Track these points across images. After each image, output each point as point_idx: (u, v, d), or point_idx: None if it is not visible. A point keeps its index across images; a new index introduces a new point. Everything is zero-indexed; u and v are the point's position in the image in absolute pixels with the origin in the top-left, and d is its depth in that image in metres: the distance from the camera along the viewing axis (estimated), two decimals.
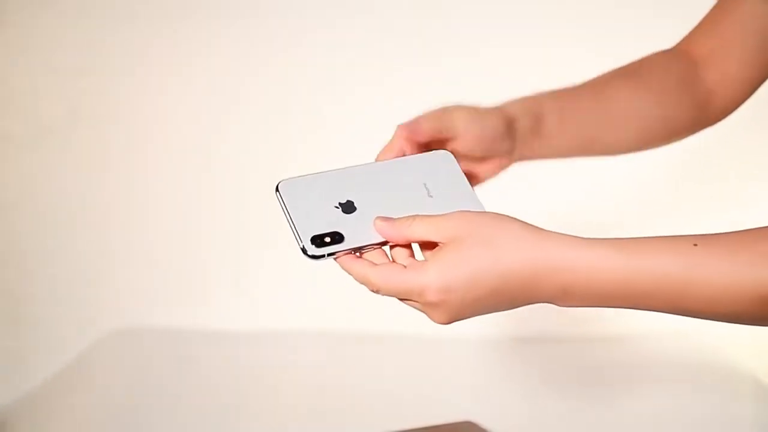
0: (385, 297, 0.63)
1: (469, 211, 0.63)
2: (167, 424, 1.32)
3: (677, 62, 0.85)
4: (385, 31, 1.59)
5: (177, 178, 1.64)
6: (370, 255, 0.65)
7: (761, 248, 0.58)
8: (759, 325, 0.61)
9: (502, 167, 0.78)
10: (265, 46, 1.60)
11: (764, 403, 1.35)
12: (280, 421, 1.32)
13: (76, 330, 1.61)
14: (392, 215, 0.65)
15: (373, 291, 0.63)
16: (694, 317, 0.62)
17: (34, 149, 1.61)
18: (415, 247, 0.65)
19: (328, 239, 0.63)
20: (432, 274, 0.60)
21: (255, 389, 1.41)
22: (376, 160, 0.73)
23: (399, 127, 0.73)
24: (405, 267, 0.62)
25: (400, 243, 0.64)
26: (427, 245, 0.64)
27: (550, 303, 0.63)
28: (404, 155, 0.72)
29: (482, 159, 0.77)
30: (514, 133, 0.76)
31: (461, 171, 0.70)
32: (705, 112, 0.86)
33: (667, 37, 0.89)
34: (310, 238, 0.63)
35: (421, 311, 0.63)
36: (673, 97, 0.84)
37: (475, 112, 0.75)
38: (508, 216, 0.63)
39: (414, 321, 1.51)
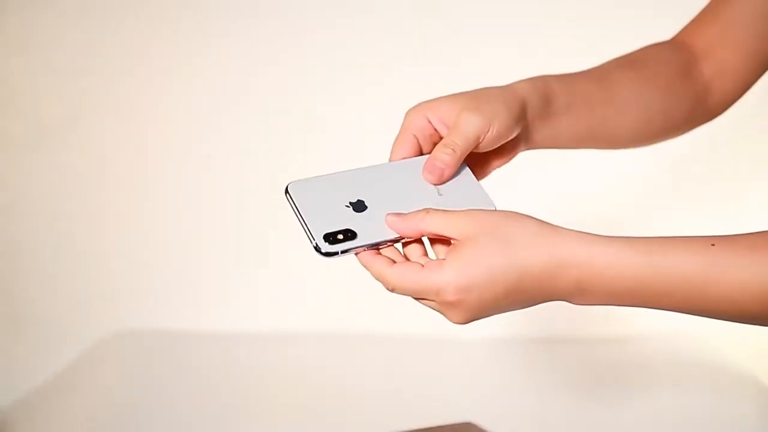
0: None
1: (483, 209, 0.63)
2: (167, 425, 1.32)
3: (677, 54, 0.84)
4: (385, 31, 1.59)
5: (177, 179, 1.64)
6: (386, 252, 0.64)
7: None
8: None
9: (513, 154, 0.75)
10: (265, 46, 1.60)
11: (764, 403, 1.35)
12: (280, 422, 1.32)
13: (76, 330, 1.61)
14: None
15: (388, 289, 0.63)
16: (709, 317, 0.61)
17: (34, 149, 1.61)
18: (427, 245, 0.65)
19: (341, 236, 0.63)
20: (450, 273, 0.60)
21: (255, 390, 1.41)
22: (392, 152, 0.72)
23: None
24: (422, 266, 0.62)
25: (413, 237, 0.64)
26: (440, 241, 0.64)
27: (566, 300, 0.62)
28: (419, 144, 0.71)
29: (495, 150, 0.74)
30: (526, 116, 0.73)
31: (471, 171, 0.70)
32: (703, 106, 0.85)
33: (666, 37, 0.89)
34: (323, 236, 0.63)
35: (438, 311, 0.63)
36: (673, 89, 0.83)
37: (491, 113, 0.69)
38: (522, 214, 0.63)
39: (414, 322, 1.52)
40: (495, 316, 0.64)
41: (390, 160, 0.71)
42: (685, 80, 0.84)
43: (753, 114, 1.45)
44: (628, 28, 1.40)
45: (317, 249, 0.63)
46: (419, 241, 0.65)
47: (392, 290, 0.62)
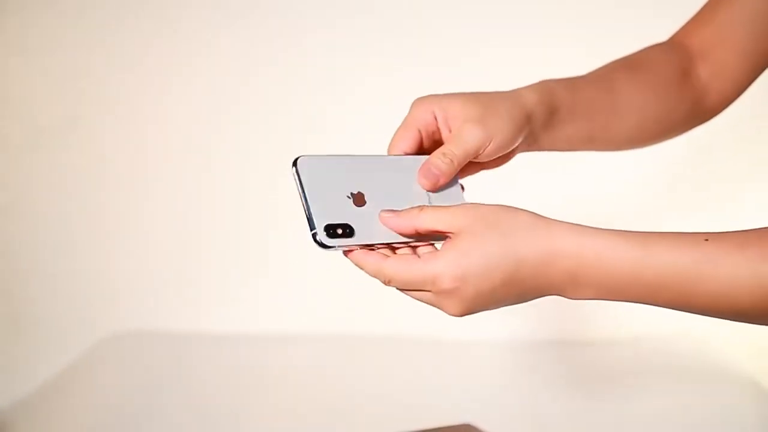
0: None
1: (477, 203, 0.64)
2: (167, 425, 1.32)
3: (675, 56, 0.84)
4: (385, 31, 1.59)
5: (177, 179, 1.64)
6: (381, 250, 0.65)
7: None
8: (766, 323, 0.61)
9: (509, 159, 0.76)
10: (265, 46, 1.60)
11: (764, 404, 1.35)
12: (280, 423, 1.32)
13: (76, 330, 1.61)
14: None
15: (385, 283, 0.63)
16: (701, 314, 0.62)
17: (33, 150, 1.61)
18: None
19: (340, 231, 0.64)
20: (446, 261, 0.61)
21: (255, 390, 1.41)
22: (392, 141, 0.73)
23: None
24: (417, 257, 0.62)
25: (407, 233, 0.65)
26: (435, 237, 0.65)
27: (560, 294, 0.63)
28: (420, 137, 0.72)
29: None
30: (529, 127, 0.74)
31: (458, 179, 0.71)
32: (701, 106, 0.85)
33: (666, 37, 0.89)
34: (324, 227, 0.63)
35: (434, 304, 0.63)
36: (672, 92, 0.84)
37: (494, 128, 0.70)
38: (515, 207, 0.63)
39: (414, 323, 1.52)
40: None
41: (390, 147, 0.72)
42: (684, 82, 0.84)
43: (750, 115, 1.44)
44: (628, 28, 1.40)
45: (314, 237, 0.63)
46: (412, 248, 0.66)
47: (388, 283, 0.63)
